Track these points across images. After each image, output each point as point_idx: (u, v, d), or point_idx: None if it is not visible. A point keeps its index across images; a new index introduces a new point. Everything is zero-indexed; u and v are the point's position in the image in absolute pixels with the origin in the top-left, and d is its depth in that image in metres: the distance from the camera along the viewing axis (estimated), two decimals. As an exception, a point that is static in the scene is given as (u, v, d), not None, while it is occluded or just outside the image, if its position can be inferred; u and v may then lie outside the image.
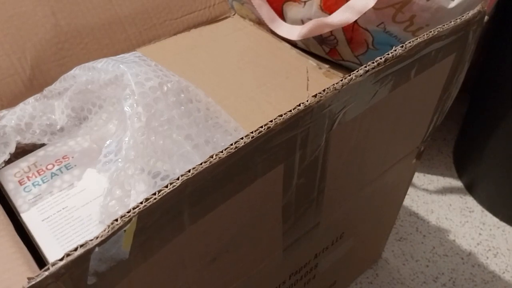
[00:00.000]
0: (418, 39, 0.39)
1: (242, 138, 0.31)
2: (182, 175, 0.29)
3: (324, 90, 0.35)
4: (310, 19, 0.62)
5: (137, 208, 0.27)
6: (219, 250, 0.41)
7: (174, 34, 0.67)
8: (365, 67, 0.37)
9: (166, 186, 0.28)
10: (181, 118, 0.48)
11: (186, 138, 0.48)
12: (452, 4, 0.53)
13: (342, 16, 0.57)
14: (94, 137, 0.53)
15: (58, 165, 0.50)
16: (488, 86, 0.94)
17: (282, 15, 0.67)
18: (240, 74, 0.60)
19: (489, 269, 0.92)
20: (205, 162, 0.30)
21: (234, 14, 0.73)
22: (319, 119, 0.37)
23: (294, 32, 0.65)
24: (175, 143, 0.47)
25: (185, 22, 0.67)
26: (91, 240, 0.26)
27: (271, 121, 0.33)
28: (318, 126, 0.38)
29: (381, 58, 0.37)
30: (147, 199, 0.28)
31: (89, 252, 0.26)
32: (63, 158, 0.51)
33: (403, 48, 0.38)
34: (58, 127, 0.52)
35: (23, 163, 0.51)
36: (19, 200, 0.48)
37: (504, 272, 0.91)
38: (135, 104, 0.46)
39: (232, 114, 0.53)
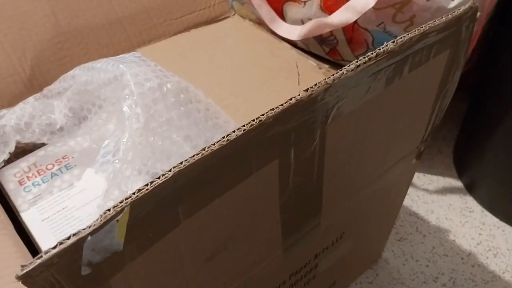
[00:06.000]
0: (410, 34, 0.39)
1: (234, 131, 0.31)
2: (174, 167, 0.29)
3: (315, 85, 0.35)
4: (310, 19, 0.63)
5: (130, 199, 0.28)
6: (216, 247, 0.41)
7: (174, 34, 0.67)
8: (357, 61, 0.37)
9: (159, 178, 0.29)
10: (180, 119, 0.48)
11: (185, 139, 0.48)
12: (452, 4, 0.54)
13: (342, 16, 0.57)
14: (94, 137, 0.53)
15: (58, 165, 0.51)
16: (488, 86, 0.94)
17: (282, 15, 0.67)
18: (240, 74, 0.61)
19: (489, 269, 0.91)
20: (197, 154, 0.30)
21: (234, 14, 0.73)
22: (312, 113, 0.37)
23: (294, 32, 0.65)
24: (174, 144, 0.47)
25: (185, 22, 0.68)
26: (84, 229, 0.26)
27: (263, 114, 0.33)
28: (312, 121, 0.38)
29: (372, 53, 0.38)
30: (139, 190, 0.28)
31: (81, 241, 0.26)
32: (63, 158, 0.51)
33: (395, 43, 0.39)
34: (58, 126, 0.52)
35: (23, 163, 0.51)
36: (19, 200, 0.48)
37: (504, 272, 0.91)
38: (134, 105, 0.46)
39: (232, 114, 0.54)
